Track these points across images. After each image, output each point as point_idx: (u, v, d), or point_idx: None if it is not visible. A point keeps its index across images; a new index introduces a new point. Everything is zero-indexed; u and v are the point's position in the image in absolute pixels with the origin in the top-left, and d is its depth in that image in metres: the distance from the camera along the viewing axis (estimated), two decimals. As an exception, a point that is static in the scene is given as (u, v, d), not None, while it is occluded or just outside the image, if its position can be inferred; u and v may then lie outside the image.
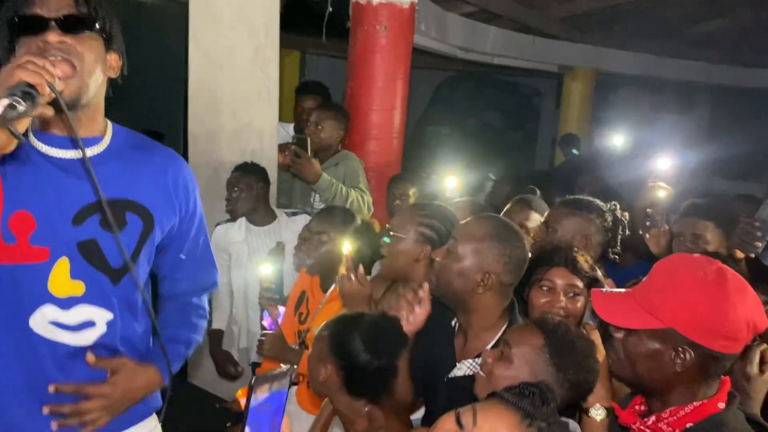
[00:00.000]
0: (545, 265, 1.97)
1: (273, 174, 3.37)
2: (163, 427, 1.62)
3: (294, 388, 2.43)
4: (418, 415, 1.93)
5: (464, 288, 1.79)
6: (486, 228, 1.83)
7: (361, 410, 1.65)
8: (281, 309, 2.47)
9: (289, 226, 3.15)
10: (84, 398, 1.41)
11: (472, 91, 11.18)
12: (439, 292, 1.84)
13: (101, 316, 1.43)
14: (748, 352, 1.64)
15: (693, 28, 7.10)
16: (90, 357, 1.42)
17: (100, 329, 1.43)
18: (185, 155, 3.41)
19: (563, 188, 4.09)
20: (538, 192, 3.51)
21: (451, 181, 3.22)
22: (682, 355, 1.30)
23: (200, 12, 3.26)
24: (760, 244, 2.30)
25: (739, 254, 2.35)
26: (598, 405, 1.58)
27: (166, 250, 1.58)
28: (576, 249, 2.05)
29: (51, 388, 1.39)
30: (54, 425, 1.40)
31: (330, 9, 4.00)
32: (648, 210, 2.49)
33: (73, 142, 1.36)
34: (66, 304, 1.39)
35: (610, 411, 1.56)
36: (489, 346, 1.75)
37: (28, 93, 1.07)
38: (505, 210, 2.76)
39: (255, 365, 3.04)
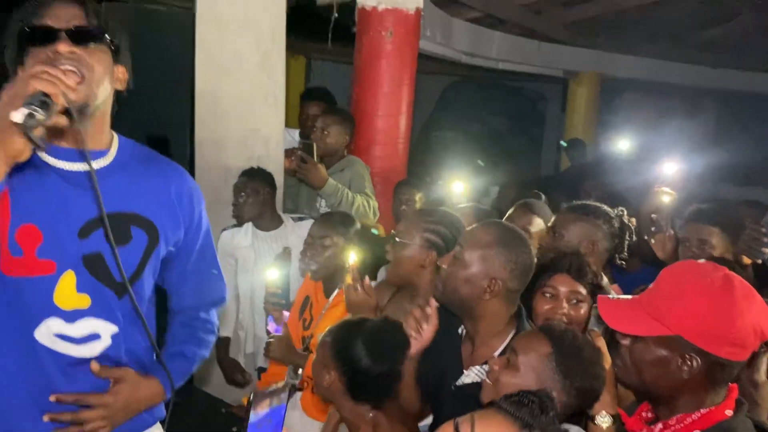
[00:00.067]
0: (549, 272, 1.97)
1: (279, 179, 3.37)
2: (168, 431, 1.62)
3: (298, 394, 2.43)
4: (427, 422, 1.93)
5: (471, 295, 1.78)
6: (492, 234, 1.82)
7: (366, 416, 1.66)
8: (286, 314, 2.47)
9: (296, 231, 3.15)
10: (85, 407, 1.42)
11: (478, 96, 11.16)
12: (445, 299, 1.84)
13: (106, 329, 1.44)
14: (756, 359, 1.64)
15: (699, 33, 7.08)
16: (94, 365, 1.43)
17: (105, 342, 1.44)
18: (192, 161, 3.43)
19: (569, 193, 4.08)
20: (543, 197, 3.49)
21: (458, 187, 3.22)
22: (689, 362, 1.29)
23: (207, 18, 3.28)
24: (767, 250, 2.30)
25: (746, 260, 2.35)
26: (604, 412, 1.58)
27: (171, 263, 1.58)
28: (584, 255, 2.05)
29: (52, 398, 1.39)
30: None
31: (336, 15, 4.01)
32: (653, 215, 2.49)
33: (81, 155, 1.36)
34: (71, 317, 1.39)
35: (616, 418, 1.56)
36: (497, 353, 1.74)
37: (45, 102, 1.08)
38: (507, 215, 2.75)
39: (261, 370, 3.04)
